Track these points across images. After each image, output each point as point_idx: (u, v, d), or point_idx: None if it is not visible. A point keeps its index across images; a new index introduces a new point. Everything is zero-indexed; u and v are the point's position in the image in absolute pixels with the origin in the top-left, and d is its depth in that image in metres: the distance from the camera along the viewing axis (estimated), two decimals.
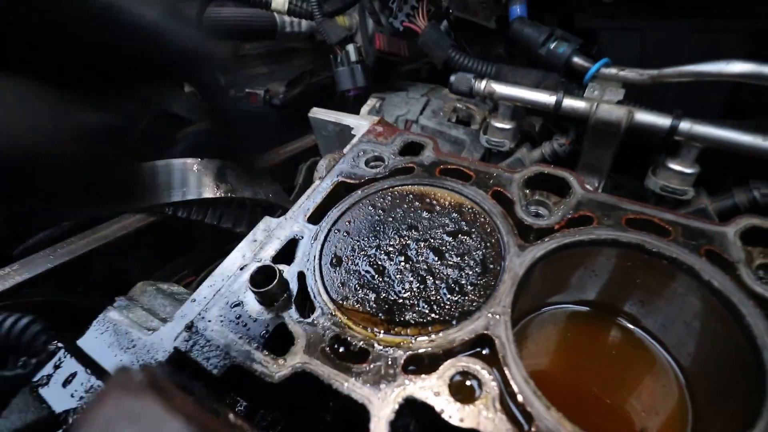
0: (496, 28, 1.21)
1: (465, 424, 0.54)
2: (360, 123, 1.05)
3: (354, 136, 1.00)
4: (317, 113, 1.13)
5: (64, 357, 0.69)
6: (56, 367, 0.68)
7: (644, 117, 0.80)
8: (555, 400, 0.73)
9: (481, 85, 0.92)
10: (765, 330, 0.59)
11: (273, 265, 0.71)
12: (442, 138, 1.23)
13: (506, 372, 0.58)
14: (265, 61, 1.67)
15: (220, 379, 0.64)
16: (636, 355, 0.80)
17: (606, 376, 0.79)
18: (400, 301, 0.68)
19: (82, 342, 0.72)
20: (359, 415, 0.57)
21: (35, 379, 0.66)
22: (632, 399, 0.76)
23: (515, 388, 0.56)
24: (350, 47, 1.21)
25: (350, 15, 1.84)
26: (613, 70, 0.84)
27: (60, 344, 0.70)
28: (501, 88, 0.91)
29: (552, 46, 0.88)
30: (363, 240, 0.76)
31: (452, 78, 0.94)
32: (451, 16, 1.31)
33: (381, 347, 0.62)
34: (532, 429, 0.53)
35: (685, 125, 0.76)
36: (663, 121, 0.78)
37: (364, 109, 1.30)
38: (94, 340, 0.72)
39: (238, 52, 1.63)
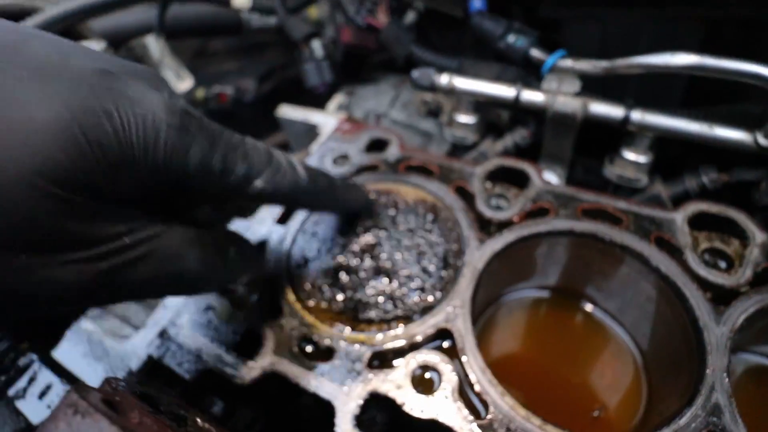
0: (464, 17, 1.21)
1: (425, 415, 0.57)
2: (327, 120, 1.06)
3: (319, 134, 1.01)
4: (285, 111, 1.13)
5: (39, 369, 0.70)
6: (32, 379, 0.69)
7: (598, 108, 0.82)
8: (524, 380, 0.78)
9: (443, 79, 0.93)
10: (706, 312, 0.62)
11: None
12: (411, 131, 1.25)
13: (464, 363, 0.61)
14: (234, 57, 1.65)
15: (193, 383, 0.66)
16: (598, 336, 0.84)
17: (571, 356, 0.83)
18: (365, 299, 0.70)
19: (57, 353, 0.73)
20: (328, 410, 0.60)
21: (11, 393, 0.68)
22: (596, 377, 0.80)
23: (473, 378, 0.59)
24: (315, 43, 1.21)
25: (320, 7, 1.82)
26: (568, 62, 0.86)
27: (34, 356, 0.71)
28: (462, 83, 0.93)
29: (510, 39, 0.89)
30: (329, 240, 0.78)
31: (414, 73, 0.95)
32: (418, 6, 1.31)
33: (346, 344, 0.65)
34: (489, 416, 0.56)
35: (636, 115, 0.79)
36: (616, 111, 0.80)
37: (332, 105, 1.30)
38: (68, 351, 0.73)
39: (206, 50, 1.61)
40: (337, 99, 1.29)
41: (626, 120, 0.80)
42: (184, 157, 0.47)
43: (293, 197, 0.60)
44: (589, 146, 1.02)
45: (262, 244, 0.81)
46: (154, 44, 1.32)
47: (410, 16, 1.38)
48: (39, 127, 0.37)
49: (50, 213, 0.38)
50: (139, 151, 0.43)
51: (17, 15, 1.03)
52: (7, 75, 0.37)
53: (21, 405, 0.68)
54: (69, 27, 1.05)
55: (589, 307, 0.85)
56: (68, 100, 0.38)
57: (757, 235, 0.68)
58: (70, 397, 0.32)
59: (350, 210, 0.79)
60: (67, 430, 0.30)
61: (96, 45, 1.03)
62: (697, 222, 0.72)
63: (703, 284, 0.65)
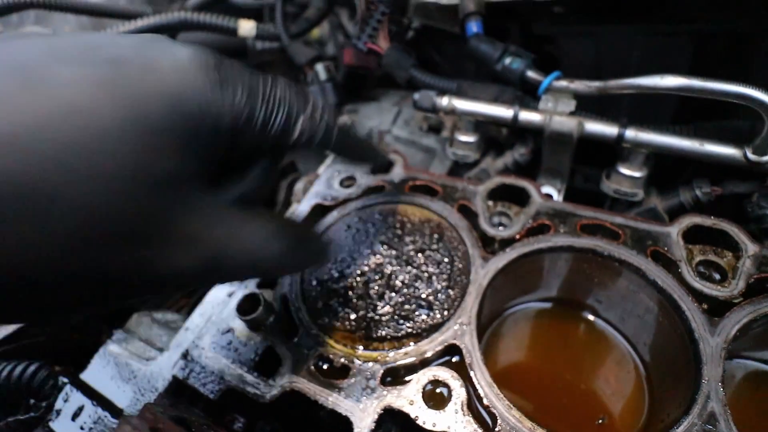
0: (461, 34, 1.25)
1: (438, 428, 0.60)
2: None
3: (328, 155, 1.05)
4: None
5: (71, 391, 0.74)
6: (64, 401, 0.74)
7: (593, 127, 0.86)
8: (530, 390, 0.82)
9: (443, 101, 0.97)
10: (701, 323, 0.66)
11: (257, 291, 0.76)
12: (414, 147, 1.29)
13: (473, 377, 0.64)
14: None
15: (217, 402, 0.70)
16: (601, 345, 0.87)
17: (575, 365, 0.86)
18: (377, 317, 0.74)
19: (85, 375, 0.78)
20: (346, 425, 0.63)
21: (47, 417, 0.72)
22: (599, 385, 0.83)
23: (481, 392, 0.63)
24: (319, 66, 1.25)
25: (321, 25, 1.87)
26: (563, 83, 0.89)
27: (65, 379, 0.75)
28: (462, 104, 0.97)
29: (507, 62, 0.93)
30: (339, 261, 0.82)
31: (415, 96, 0.99)
32: (416, 26, 1.36)
33: (360, 362, 0.68)
34: (497, 428, 0.60)
35: (630, 133, 0.83)
36: (610, 130, 0.84)
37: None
38: (97, 373, 0.78)
39: None
40: (341, 119, 1.34)
41: (620, 138, 0.83)
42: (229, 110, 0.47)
43: (327, 140, 0.57)
44: (589, 156, 1.06)
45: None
46: None
47: (409, 33, 1.42)
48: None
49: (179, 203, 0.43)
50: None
51: None
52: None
53: (55, 426, 0.72)
54: None
55: (591, 317, 0.88)
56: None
57: (749, 246, 0.71)
58: (123, 428, 0.35)
59: (367, 159, 0.76)
60: None
61: None
62: (692, 235, 0.76)
63: (698, 296, 0.68)
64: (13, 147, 0.34)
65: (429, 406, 0.62)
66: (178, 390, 0.73)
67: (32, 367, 0.68)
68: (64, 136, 0.36)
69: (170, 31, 1.20)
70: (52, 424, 0.72)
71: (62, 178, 0.36)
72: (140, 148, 0.40)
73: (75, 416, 0.72)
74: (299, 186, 0.96)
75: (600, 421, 0.77)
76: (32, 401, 0.69)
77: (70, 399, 0.74)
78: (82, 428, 0.70)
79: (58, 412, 0.73)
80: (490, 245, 0.81)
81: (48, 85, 0.37)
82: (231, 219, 0.51)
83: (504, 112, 0.93)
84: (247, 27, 1.20)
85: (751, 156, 0.76)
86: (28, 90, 0.36)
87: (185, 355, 0.75)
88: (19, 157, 0.34)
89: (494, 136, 1.15)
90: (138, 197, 0.40)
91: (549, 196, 0.87)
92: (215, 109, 0.45)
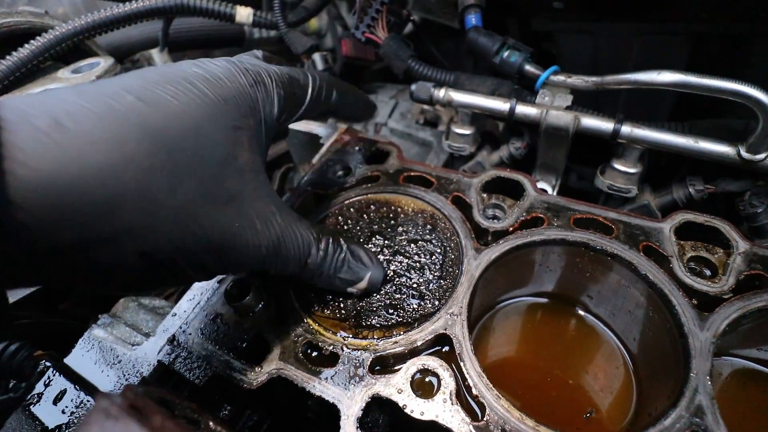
0: (460, 28, 1.25)
1: (426, 417, 0.60)
2: (328, 132, 1.09)
3: (322, 145, 1.04)
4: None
5: (53, 375, 0.73)
6: (46, 385, 0.72)
7: (589, 122, 0.86)
8: (519, 382, 0.81)
9: (440, 93, 0.97)
10: (691, 318, 0.66)
11: (246, 278, 0.75)
12: (410, 140, 1.28)
13: (462, 367, 0.64)
14: None
15: (203, 388, 0.69)
16: (591, 340, 0.87)
17: (565, 359, 0.86)
18: (367, 306, 0.73)
19: (69, 360, 0.76)
20: (333, 412, 0.63)
21: (27, 399, 0.70)
22: (588, 380, 0.83)
23: (470, 382, 0.62)
24: (317, 56, 1.24)
25: (320, 17, 1.86)
26: (561, 77, 0.89)
27: (48, 363, 0.74)
28: (459, 96, 0.96)
29: (505, 55, 0.93)
30: None
31: (413, 87, 0.99)
32: (415, 19, 1.35)
33: (349, 350, 0.68)
34: (486, 417, 0.59)
35: (626, 129, 0.82)
36: (606, 125, 0.84)
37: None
38: (81, 358, 0.76)
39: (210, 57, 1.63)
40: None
41: (616, 134, 0.83)
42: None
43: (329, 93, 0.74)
44: (583, 155, 1.06)
45: None
46: (158, 57, 1.35)
47: (408, 27, 1.41)
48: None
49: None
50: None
51: (29, 33, 1.06)
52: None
53: (36, 410, 0.70)
54: (77, 43, 1.09)
55: (582, 312, 0.88)
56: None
57: (740, 244, 0.71)
58: (101, 403, 0.34)
59: (359, 105, 0.87)
60: None
61: (103, 62, 1.06)
62: (684, 231, 0.76)
63: (688, 291, 0.68)
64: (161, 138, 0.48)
65: (417, 395, 0.61)
66: (163, 376, 0.72)
67: (12, 347, 0.67)
68: (183, 130, 0.51)
69: (166, 14, 1.18)
70: (33, 408, 0.71)
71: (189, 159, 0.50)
72: (228, 140, 0.55)
73: (57, 400, 0.70)
74: (293, 175, 0.95)
75: (587, 415, 0.77)
76: (12, 382, 0.68)
77: (52, 383, 0.72)
78: (63, 412, 0.69)
79: (40, 396, 0.71)
80: (483, 237, 0.81)
81: (165, 104, 0.50)
82: (288, 213, 0.63)
83: (500, 105, 0.93)
84: (244, 14, 1.18)
85: (744, 154, 0.76)
86: (154, 107, 0.49)
87: (172, 341, 0.73)
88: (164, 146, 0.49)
89: (490, 130, 1.15)
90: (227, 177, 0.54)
91: (544, 191, 0.87)
92: (257, 104, 0.59)
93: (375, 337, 0.69)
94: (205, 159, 0.52)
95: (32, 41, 1.03)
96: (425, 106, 1.27)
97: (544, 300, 0.92)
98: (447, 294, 0.73)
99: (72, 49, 1.10)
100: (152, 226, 0.47)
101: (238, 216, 0.55)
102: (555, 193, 1.04)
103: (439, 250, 0.79)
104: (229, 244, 0.54)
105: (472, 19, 0.97)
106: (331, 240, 0.68)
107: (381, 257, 0.79)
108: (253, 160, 0.58)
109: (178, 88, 0.52)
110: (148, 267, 0.49)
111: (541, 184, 1.04)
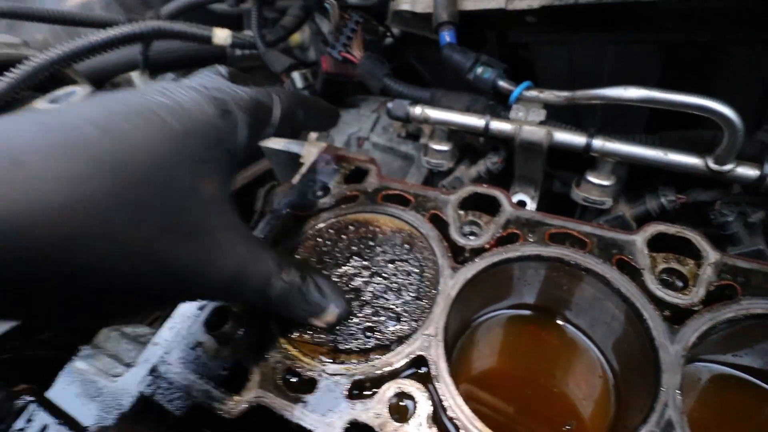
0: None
1: None
2: (308, 150, 1.10)
3: (302, 164, 1.05)
4: (267, 141, 1.16)
5: (36, 410, 0.73)
6: (28, 420, 0.72)
7: (562, 136, 0.87)
8: (499, 397, 0.82)
9: (417, 111, 0.98)
10: (662, 331, 0.67)
11: (226, 305, 0.76)
12: (392, 154, 1.29)
13: (438, 389, 0.65)
14: None
15: (185, 418, 0.70)
16: (572, 350, 0.88)
17: (545, 372, 0.87)
18: (345, 329, 0.74)
19: (51, 394, 0.76)
20: None
21: None
22: (568, 392, 0.84)
23: (446, 404, 0.63)
24: (296, 74, 1.25)
25: (302, 30, 1.87)
26: (533, 93, 0.90)
27: (30, 398, 0.74)
28: (435, 113, 0.97)
29: (478, 71, 0.94)
30: None
31: (389, 105, 1.00)
32: (394, 33, 1.36)
33: (327, 375, 0.68)
34: None
35: (597, 143, 0.84)
36: (578, 139, 0.85)
37: (313, 134, 1.34)
38: (62, 391, 0.76)
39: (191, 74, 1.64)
40: None
41: (588, 147, 0.84)
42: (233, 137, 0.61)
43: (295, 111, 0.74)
44: (566, 161, 1.07)
45: None
46: (138, 79, 1.35)
47: (387, 41, 1.42)
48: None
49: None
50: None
51: (4, 65, 1.06)
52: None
53: None
54: (55, 72, 1.09)
55: (562, 324, 0.89)
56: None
57: (711, 254, 0.72)
58: None
59: (324, 118, 0.88)
60: None
61: (81, 90, 1.06)
62: (657, 243, 0.77)
63: (659, 304, 0.69)
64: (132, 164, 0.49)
65: (394, 419, 0.62)
66: (144, 408, 0.72)
67: None
68: (149, 160, 0.50)
69: (144, 40, 1.18)
70: None
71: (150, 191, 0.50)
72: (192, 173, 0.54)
73: None
74: (273, 197, 0.96)
75: (568, 426, 0.77)
76: None
77: (34, 418, 0.73)
78: None
79: None
80: (460, 255, 0.81)
81: (129, 137, 0.50)
82: (252, 244, 0.63)
83: (476, 121, 0.94)
84: (222, 36, 1.19)
85: (712, 165, 0.77)
86: (123, 140, 0.49)
87: (153, 371, 0.74)
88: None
89: (471, 144, 1.16)
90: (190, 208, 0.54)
91: (522, 204, 0.88)
92: (223, 134, 0.59)
93: (353, 360, 0.70)
94: (170, 193, 0.52)
95: (8, 73, 1.04)
96: None
97: (526, 312, 0.93)
98: (424, 315, 0.73)
99: (49, 78, 1.10)
100: (113, 263, 0.47)
101: (201, 249, 0.55)
102: (535, 204, 1.05)
103: (416, 270, 0.79)
104: (190, 277, 0.55)
105: (446, 36, 0.98)
106: (293, 270, 0.68)
107: (359, 279, 0.80)
108: (217, 191, 0.58)
109: (143, 120, 0.51)
110: (105, 301, 0.50)
111: (521, 196, 1.05)
